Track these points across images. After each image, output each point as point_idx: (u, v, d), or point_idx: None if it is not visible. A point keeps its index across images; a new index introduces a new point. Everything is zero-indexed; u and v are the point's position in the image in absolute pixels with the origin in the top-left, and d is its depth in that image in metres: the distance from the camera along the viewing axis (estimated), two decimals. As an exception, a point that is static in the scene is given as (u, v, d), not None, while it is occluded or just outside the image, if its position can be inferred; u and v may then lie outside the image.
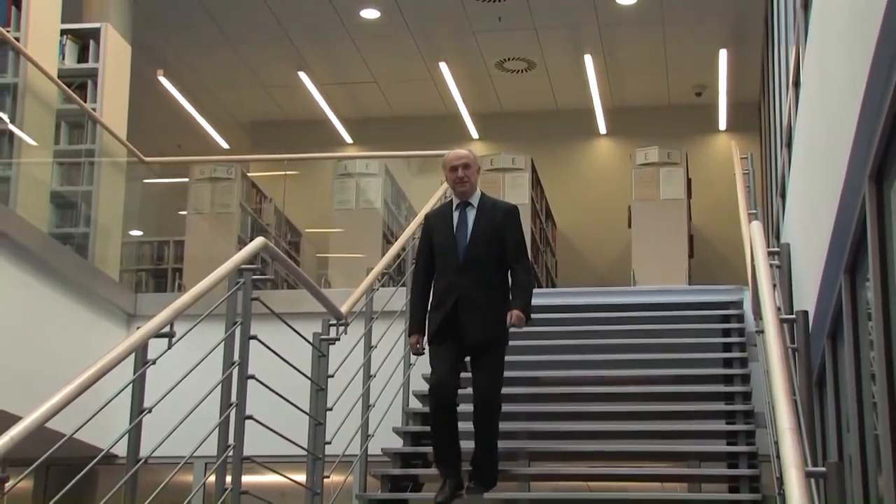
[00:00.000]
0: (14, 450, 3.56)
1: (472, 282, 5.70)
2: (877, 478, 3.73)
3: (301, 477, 5.40)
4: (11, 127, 7.59)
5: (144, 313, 8.08)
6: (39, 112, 7.89)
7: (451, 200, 5.96)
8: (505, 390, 7.12)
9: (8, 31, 7.60)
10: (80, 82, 8.66)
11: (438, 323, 5.70)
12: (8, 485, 3.62)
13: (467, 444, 5.64)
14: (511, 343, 7.64)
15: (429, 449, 6.31)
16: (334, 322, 5.79)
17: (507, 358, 7.43)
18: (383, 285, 6.95)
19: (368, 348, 6.26)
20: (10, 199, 7.37)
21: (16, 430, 3.63)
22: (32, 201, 7.66)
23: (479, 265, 5.75)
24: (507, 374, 7.24)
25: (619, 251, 12.00)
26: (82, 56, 8.89)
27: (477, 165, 5.96)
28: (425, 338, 5.82)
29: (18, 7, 7.81)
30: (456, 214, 5.87)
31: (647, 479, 6.91)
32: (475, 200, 5.88)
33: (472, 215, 5.84)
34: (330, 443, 5.53)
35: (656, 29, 12.17)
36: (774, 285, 5.20)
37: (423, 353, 5.89)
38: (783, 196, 7.29)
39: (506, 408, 7.07)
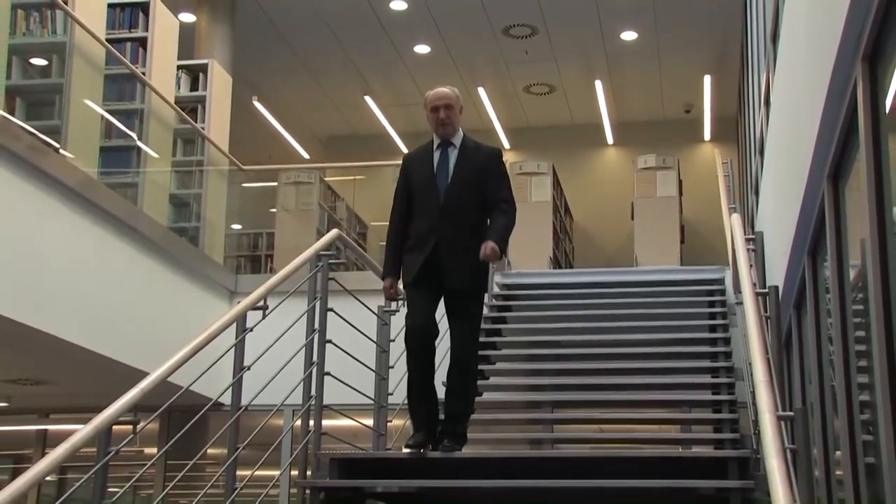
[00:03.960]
0: (143, 398, 3.63)
1: (452, 223, 4.50)
2: (833, 420, 3.70)
3: (369, 421, 5.42)
4: (139, 143, 7.68)
5: (243, 290, 8.13)
6: (160, 131, 7.96)
7: (432, 140, 4.75)
8: (531, 352, 7.13)
9: (136, 67, 7.70)
10: (191, 107, 8.74)
11: (416, 265, 4.52)
12: (139, 426, 3.67)
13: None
14: (536, 313, 7.67)
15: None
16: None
17: (532, 325, 7.50)
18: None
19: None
20: (138, 200, 7.45)
21: (145, 383, 3.69)
22: (155, 202, 7.74)
23: (460, 207, 4.53)
24: (533, 338, 7.30)
25: (623, 238, 11.93)
26: (193, 86, 8.97)
27: (459, 105, 4.71)
28: (400, 282, 4.68)
29: (144, 49, 7.91)
30: (437, 154, 4.65)
31: (648, 422, 6.90)
32: (457, 141, 4.67)
33: (454, 155, 4.63)
34: (392, 394, 5.51)
35: (653, 59, 12.10)
36: (751, 265, 5.16)
37: (397, 299, 4.78)
38: (757, 193, 7.22)
39: (532, 366, 7.07)
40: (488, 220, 4.61)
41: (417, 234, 4.58)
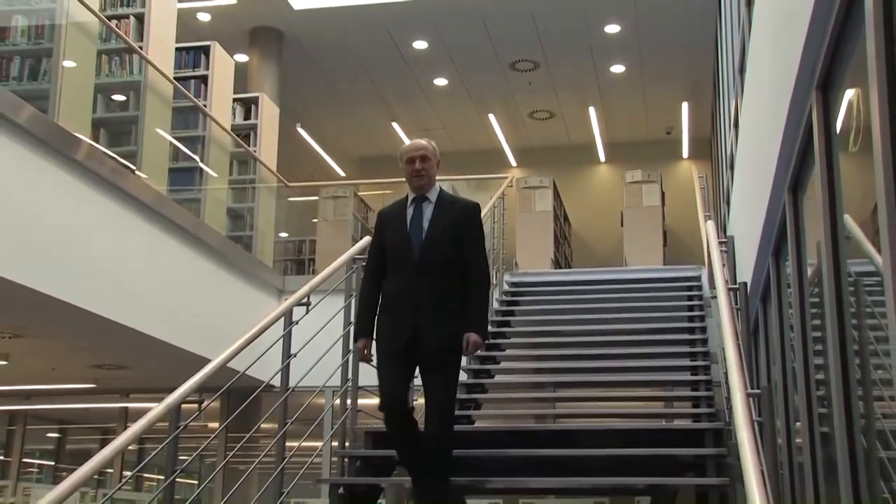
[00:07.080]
0: (207, 381, 3.66)
1: (427, 284, 3.69)
2: (794, 396, 3.70)
3: (398, 399, 5.42)
4: (201, 165, 7.74)
5: (290, 289, 8.18)
6: (219, 154, 8.03)
7: (407, 196, 3.93)
8: (536, 340, 7.10)
9: (199, 101, 7.77)
10: (245, 133, 8.82)
11: (390, 331, 3.73)
12: (204, 404, 3.70)
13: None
14: (540, 307, 7.65)
15: (485, 379, 6.32)
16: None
17: (537, 317, 7.48)
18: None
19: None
20: (201, 213, 7.51)
21: (208, 368, 3.73)
22: (215, 214, 7.79)
23: (435, 265, 3.71)
24: (538, 328, 7.27)
25: (614, 242, 11.90)
26: (247, 116, 9.05)
27: (436, 158, 3.88)
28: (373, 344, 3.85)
29: (206, 85, 7.99)
30: (411, 210, 3.84)
31: (635, 399, 6.87)
32: (433, 196, 3.85)
33: (428, 210, 3.82)
34: (417, 376, 5.51)
35: (638, 88, 12.08)
36: (723, 265, 5.14)
37: (371, 361, 3.85)
38: (728, 203, 7.20)
39: (537, 352, 7.02)
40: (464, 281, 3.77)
41: (391, 294, 3.78)
